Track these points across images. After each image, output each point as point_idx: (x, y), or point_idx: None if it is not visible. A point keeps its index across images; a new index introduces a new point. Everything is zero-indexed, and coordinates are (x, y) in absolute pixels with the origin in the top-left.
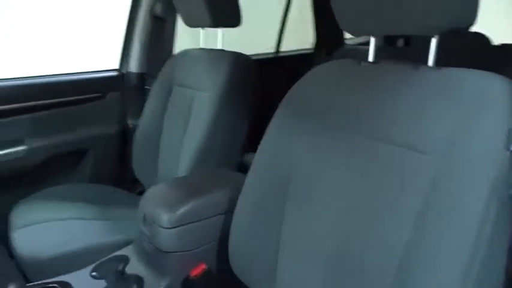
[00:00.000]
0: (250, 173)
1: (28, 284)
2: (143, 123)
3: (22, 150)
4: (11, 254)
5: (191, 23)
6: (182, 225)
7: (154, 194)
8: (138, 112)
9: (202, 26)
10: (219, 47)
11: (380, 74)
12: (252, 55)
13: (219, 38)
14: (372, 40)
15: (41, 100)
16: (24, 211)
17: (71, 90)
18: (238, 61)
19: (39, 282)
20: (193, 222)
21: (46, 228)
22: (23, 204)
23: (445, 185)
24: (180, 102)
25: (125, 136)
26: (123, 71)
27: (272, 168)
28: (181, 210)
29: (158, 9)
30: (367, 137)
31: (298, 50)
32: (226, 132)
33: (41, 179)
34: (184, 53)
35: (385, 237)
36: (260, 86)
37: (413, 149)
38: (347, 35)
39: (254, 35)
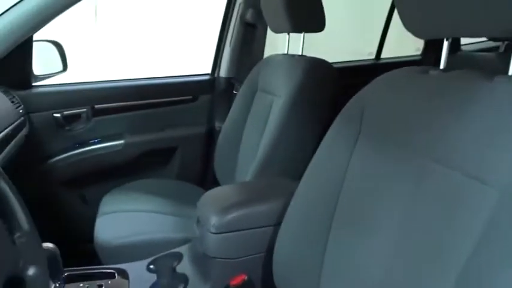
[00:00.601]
0: (300, 185)
1: (72, 268)
2: (226, 127)
3: (120, 144)
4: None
5: (276, 28)
6: (229, 231)
7: (210, 197)
8: (225, 115)
9: (286, 31)
10: (300, 52)
11: (448, 85)
12: (348, 61)
13: (301, 43)
14: (445, 44)
15: (140, 100)
16: (112, 200)
17: (166, 92)
18: (313, 68)
19: (100, 266)
20: (240, 230)
21: (124, 217)
22: (113, 193)
23: (506, 223)
24: (260, 108)
25: (212, 138)
26: (215, 75)
27: (322, 182)
28: (230, 216)
29: (249, 16)
30: (425, 158)
31: (402, 57)
32: (293, 141)
33: (133, 171)
34: (269, 59)
35: (435, 273)
36: (341, 95)
37: (475, 178)
38: (464, 39)
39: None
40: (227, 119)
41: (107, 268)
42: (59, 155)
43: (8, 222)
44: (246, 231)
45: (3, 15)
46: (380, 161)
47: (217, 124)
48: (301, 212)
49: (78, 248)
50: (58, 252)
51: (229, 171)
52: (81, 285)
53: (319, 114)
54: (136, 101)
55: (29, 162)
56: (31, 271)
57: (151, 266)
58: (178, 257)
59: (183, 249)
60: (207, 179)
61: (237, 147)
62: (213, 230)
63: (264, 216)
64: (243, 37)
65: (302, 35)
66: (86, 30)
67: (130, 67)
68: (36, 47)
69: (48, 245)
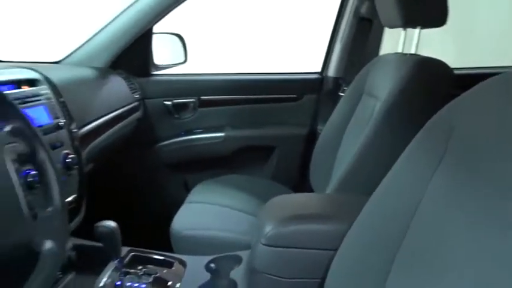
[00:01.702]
0: (366, 205)
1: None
2: (326, 131)
3: (221, 136)
4: None
5: (389, 22)
6: (282, 246)
7: (274, 204)
8: (328, 117)
9: (400, 26)
10: (412, 51)
11: None
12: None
13: (414, 40)
14: None
15: (243, 95)
16: (201, 190)
17: (270, 89)
18: (422, 69)
19: (164, 253)
20: (296, 247)
21: (206, 209)
22: (204, 183)
23: None
24: (362, 113)
25: (312, 140)
26: (324, 74)
27: (392, 203)
28: (286, 229)
29: (365, 9)
30: None
31: None
32: (385, 152)
33: (230, 165)
34: (380, 58)
35: None
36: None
37: None
38: None
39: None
40: (328, 122)
41: (169, 256)
42: (166, 140)
43: (38, 197)
44: (303, 250)
45: (126, 10)
46: (466, 190)
47: (319, 127)
48: (362, 235)
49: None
50: (118, 231)
51: (323, 178)
52: (140, 267)
53: (421, 124)
54: (240, 95)
55: (140, 143)
56: (47, 245)
57: (211, 265)
58: (238, 261)
59: (245, 253)
60: (302, 184)
61: (334, 154)
62: (264, 241)
63: (327, 237)
64: (356, 33)
65: (418, 30)
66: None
67: (237, 60)
68: (159, 39)
69: (110, 223)
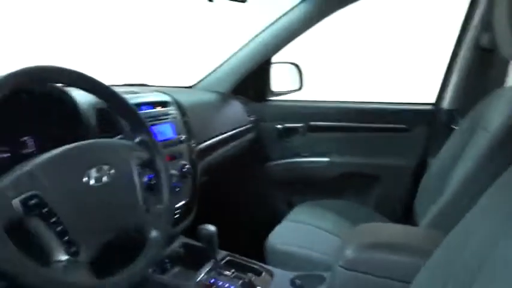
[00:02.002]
0: (444, 242)
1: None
2: (436, 164)
3: (326, 161)
4: None
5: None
6: (357, 271)
7: (360, 230)
8: (439, 151)
9: None
10: None
11: None
12: None
13: None
14: None
15: (350, 122)
16: (300, 210)
17: (378, 118)
18: None
19: (255, 262)
20: (373, 275)
21: (302, 228)
22: (305, 204)
23: None
24: (475, 148)
25: (420, 173)
26: (437, 106)
27: (470, 241)
28: (366, 255)
29: (486, 39)
30: None
31: None
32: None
33: (333, 189)
34: (500, 92)
35: None
36: None
37: None
38: None
39: None
40: (438, 155)
41: (260, 266)
42: (275, 160)
43: (152, 196)
44: (378, 278)
45: (248, 43)
46: None
47: (429, 160)
48: (437, 271)
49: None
50: (216, 235)
51: (426, 211)
52: (232, 270)
53: None
54: (348, 123)
55: (252, 161)
56: (153, 234)
57: (296, 280)
58: (321, 281)
59: (329, 275)
60: (406, 217)
61: (441, 189)
62: (341, 264)
63: (403, 269)
64: (475, 64)
65: None
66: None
67: (349, 88)
68: (277, 67)
69: (210, 227)
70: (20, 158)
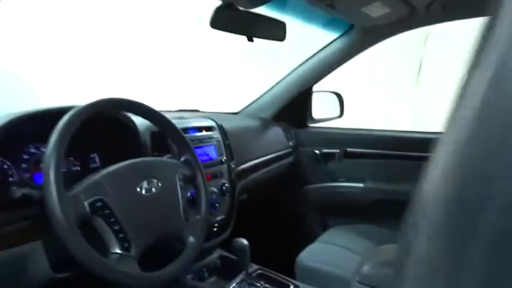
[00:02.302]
0: None
1: None
2: None
3: (360, 187)
4: None
5: None
6: (371, 286)
7: (381, 250)
8: None
9: None
10: None
11: None
12: None
13: None
14: None
15: (386, 150)
16: (333, 232)
17: (414, 146)
18: None
19: (284, 276)
20: None
21: (330, 249)
22: (338, 227)
23: None
24: None
25: None
26: None
27: None
28: (377, 272)
29: None
30: None
31: None
32: None
33: (367, 214)
34: None
35: None
36: None
37: None
38: None
39: None
40: None
41: (288, 280)
42: (312, 184)
43: (192, 206)
44: None
45: (292, 72)
46: None
47: None
48: None
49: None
50: (247, 247)
51: None
52: (262, 282)
53: None
54: (383, 150)
55: (291, 184)
56: (190, 239)
57: None
58: None
59: None
60: None
61: None
62: (358, 279)
63: None
64: None
65: None
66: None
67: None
68: (319, 95)
69: (243, 240)
70: (88, 171)
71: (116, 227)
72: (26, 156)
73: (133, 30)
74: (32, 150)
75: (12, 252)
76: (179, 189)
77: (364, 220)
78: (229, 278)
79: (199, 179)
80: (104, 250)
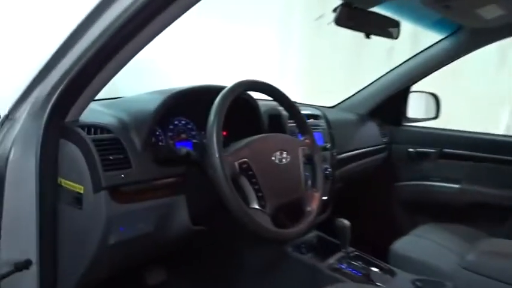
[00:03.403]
0: None
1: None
2: None
3: (456, 188)
4: None
5: None
6: (478, 273)
7: (484, 243)
8: None
9: None
10: None
11: None
12: None
13: None
14: None
15: (484, 153)
16: (423, 228)
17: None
18: None
19: (380, 261)
20: (490, 278)
21: (421, 241)
22: (429, 225)
23: None
24: None
25: None
26: None
27: None
28: (485, 259)
29: None
30: None
31: None
32: None
33: (459, 215)
34: None
35: None
36: None
37: None
38: None
39: None
40: None
41: (384, 264)
42: (404, 181)
43: (311, 181)
44: (496, 282)
45: (391, 71)
46: None
47: None
48: None
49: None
50: (349, 228)
51: None
52: (359, 262)
53: None
54: (482, 153)
55: (382, 180)
56: (309, 209)
57: (417, 283)
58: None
59: (449, 284)
60: None
61: None
62: (464, 265)
63: None
64: None
65: None
66: None
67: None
68: (416, 95)
69: (345, 221)
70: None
71: (256, 187)
72: (171, 127)
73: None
74: (177, 122)
75: (162, 202)
76: (301, 164)
77: (457, 221)
78: (325, 256)
79: (317, 158)
80: (246, 204)
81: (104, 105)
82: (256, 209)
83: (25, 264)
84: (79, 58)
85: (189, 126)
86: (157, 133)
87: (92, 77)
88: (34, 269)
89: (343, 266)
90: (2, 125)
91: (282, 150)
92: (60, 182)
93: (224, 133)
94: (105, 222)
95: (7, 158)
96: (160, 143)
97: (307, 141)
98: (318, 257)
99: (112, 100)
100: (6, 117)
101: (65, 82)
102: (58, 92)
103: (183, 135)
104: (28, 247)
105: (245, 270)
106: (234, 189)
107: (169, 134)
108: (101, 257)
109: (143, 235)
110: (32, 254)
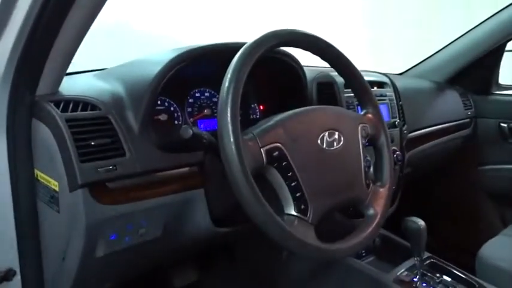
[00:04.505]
0: None
1: None
2: None
3: None
4: None
5: None
6: None
7: None
8: None
9: None
10: None
11: None
12: None
13: None
14: None
15: None
16: None
17: None
18: None
19: (465, 272)
20: None
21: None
22: None
23: None
24: None
25: None
26: None
27: None
28: None
29: None
30: None
31: None
32: None
33: None
34: None
35: None
36: None
37: None
38: None
39: None
40: None
41: (471, 279)
42: (492, 165)
43: (374, 172)
44: None
45: (474, 29)
46: None
47: None
48: None
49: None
50: (425, 230)
51: None
52: (437, 275)
53: None
54: None
55: (463, 162)
56: (370, 211)
57: None
58: None
59: None
60: None
61: None
62: None
63: None
64: None
65: None
66: None
67: None
68: (510, 56)
69: (420, 221)
70: (248, 122)
71: (293, 184)
72: (191, 100)
73: None
74: (197, 94)
75: (172, 199)
76: (362, 147)
77: None
78: (393, 262)
79: (383, 139)
80: (277, 210)
81: (98, 76)
82: (293, 216)
83: (6, 275)
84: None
85: (215, 100)
86: (172, 108)
87: (52, 33)
88: (17, 279)
89: (415, 279)
90: None
91: (332, 130)
92: (37, 175)
93: (261, 107)
94: (85, 231)
95: None
96: (176, 122)
97: (369, 116)
98: (382, 265)
99: (109, 69)
100: None
101: (23, 42)
102: (18, 54)
103: (207, 111)
104: (9, 255)
105: (285, 275)
106: (256, 189)
107: (188, 109)
108: (90, 271)
109: (148, 242)
110: (14, 263)
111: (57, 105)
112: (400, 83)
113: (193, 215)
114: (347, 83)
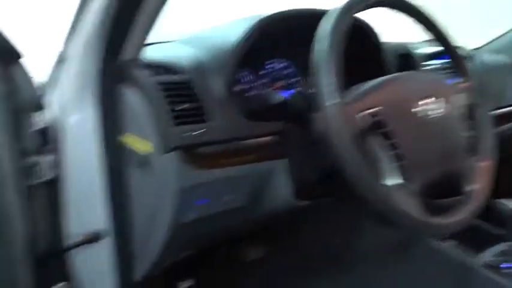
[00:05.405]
0: None
1: None
2: None
3: None
4: None
5: None
6: None
7: None
8: None
9: None
10: None
11: None
12: None
13: None
14: None
15: None
16: None
17: None
18: None
19: None
20: None
21: None
22: None
23: None
24: None
25: None
26: None
27: None
28: None
29: None
30: None
31: None
32: None
33: None
34: None
35: None
36: None
37: None
38: None
39: None
40: None
41: None
42: None
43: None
44: None
45: None
46: None
47: None
48: None
49: None
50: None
51: None
52: None
53: None
54: None
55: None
56: (472, 187)
57: None
58: None
59: None
60: None
61: None
62: None
63: None
64: None
65: None
66: None
67: None
68: None
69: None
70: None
71: (396, 151)
72: (265, 71)
73: None
74: (272, 65)
75: (255, 168)
76: (459, 116)
77: None
78: (479, 248)
79: (482, 110)
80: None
81: (177, 43)
82: (398, 185)
83: (95, 236)
84: None
85: (290, 71)
86: (246, 77)
87: None
88: (107, 241)
89: (505, 266)
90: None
91: (430, 97)
92: (125, 139)
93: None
94: (178, 194)
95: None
96: (255, 91)
97: (466, 84)
98: (468, 248)
99: (188, 37)
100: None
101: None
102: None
103: (281, 83)
104: (98, 218)
105: (359, 254)
106: (357, 153)
107: (263, 80)
108: (177, 236)
109: (231, 210)
110: (103, 225)
111: (144, 70)
112: (478, 57)
113: (275, 186)
114: (445, 49)
